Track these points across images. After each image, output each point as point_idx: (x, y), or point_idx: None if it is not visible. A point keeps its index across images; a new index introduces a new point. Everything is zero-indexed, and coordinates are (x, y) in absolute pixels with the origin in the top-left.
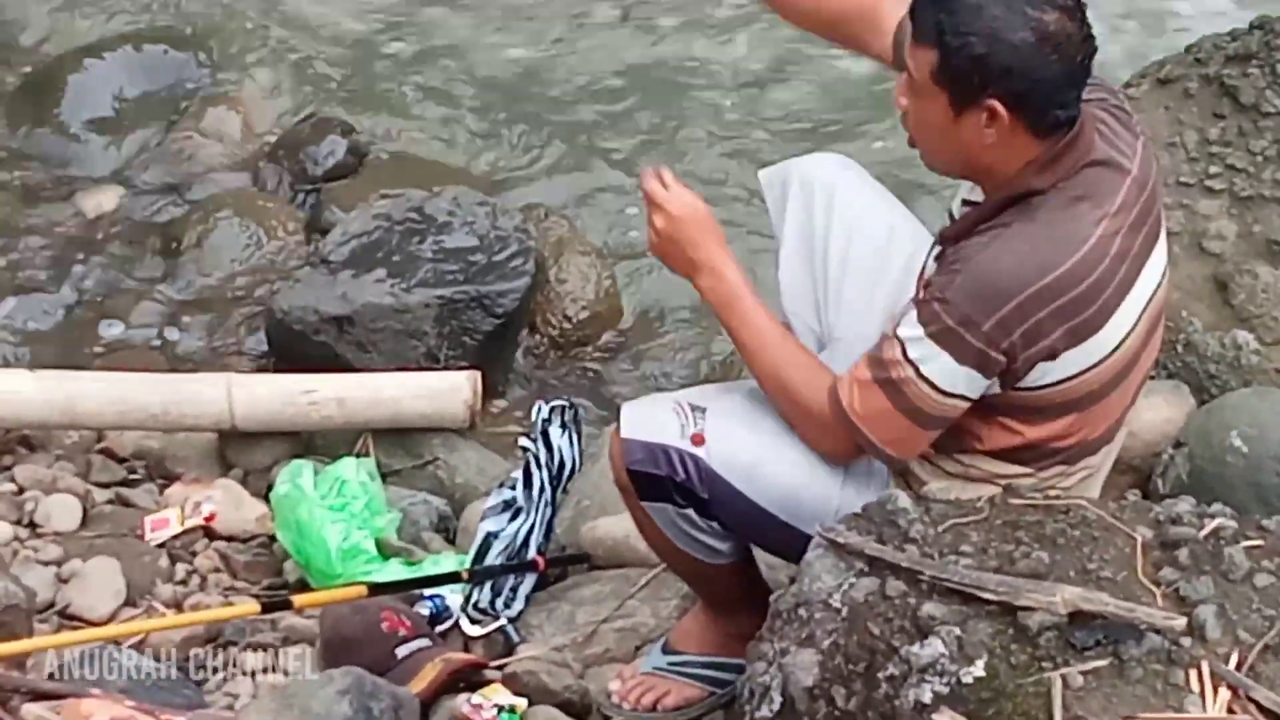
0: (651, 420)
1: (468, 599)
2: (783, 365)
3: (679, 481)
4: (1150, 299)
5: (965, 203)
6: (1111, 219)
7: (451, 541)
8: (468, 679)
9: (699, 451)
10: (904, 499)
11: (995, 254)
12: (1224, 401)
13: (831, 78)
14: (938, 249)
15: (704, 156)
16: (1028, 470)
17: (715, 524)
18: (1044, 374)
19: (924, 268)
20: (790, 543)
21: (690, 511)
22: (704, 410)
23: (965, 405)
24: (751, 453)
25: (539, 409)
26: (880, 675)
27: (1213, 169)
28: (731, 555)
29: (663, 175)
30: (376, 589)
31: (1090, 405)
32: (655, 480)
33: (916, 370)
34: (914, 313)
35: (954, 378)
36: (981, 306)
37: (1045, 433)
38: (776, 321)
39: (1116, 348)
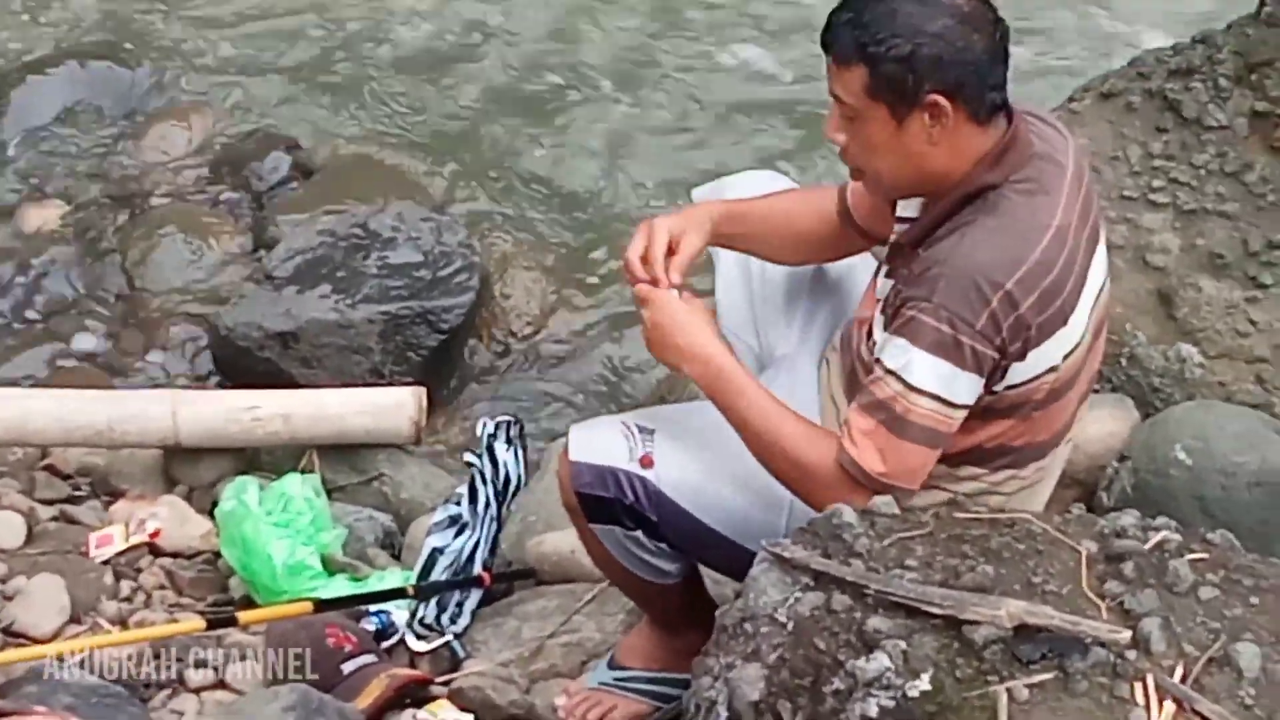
0: (599, 442)
1: (413, 615)
2: (783, 439)
3: (628, 504)
4: (1096, 299)
5: (901, 219)
6: (1063, 211)
7: (397, 557)
8: (414, 695)
9: (647, 474)
10: (849, 513)
11: (970, 249)
12: (1168, 415)
13: (778, 90)
14: (887, 266)
15: (646, 169)
16: (980, 471)
17: (664, 545)
18: (1014, 374)
19: (874, 286)
20: (739, 561)
21: (639, 533)
22: (652, 432)
23: (965, 413)
24: (700, 474)
25: (484, 425)
26: (826, 689)
27: (1156, 183)
28: (679, 575)
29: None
30: (322, 605)
31: (1046, 405)
32: (604, 502)
33: (919, 392)
34: (897, 339)
35: (955, 385)
36: (970, 304)
37: (997, 432)
38: (772, 397)
39: (1076, 346)
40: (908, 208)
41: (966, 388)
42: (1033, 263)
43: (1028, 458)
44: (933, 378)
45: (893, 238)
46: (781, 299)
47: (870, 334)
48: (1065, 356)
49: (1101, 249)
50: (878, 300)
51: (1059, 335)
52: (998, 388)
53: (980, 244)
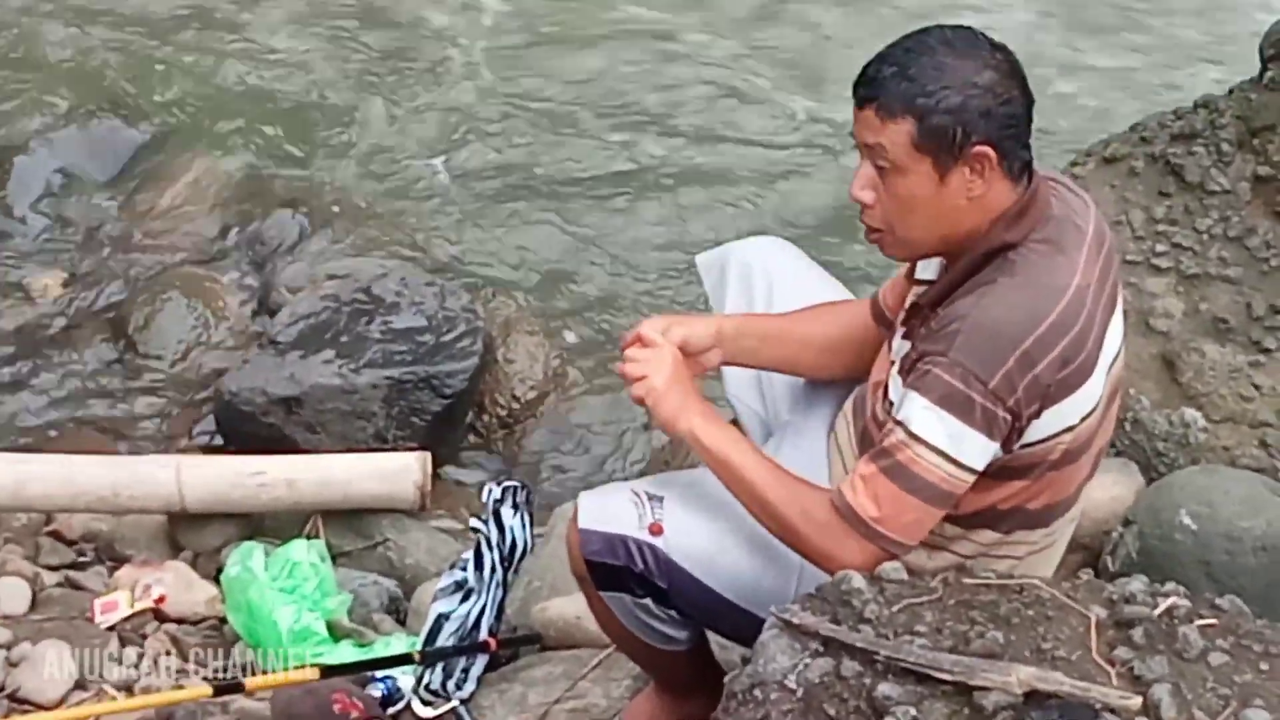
0: (609, 510)
1: (419, 680)
2: (780, 486)
3: (637, 571)
4: (1112, 363)
5: (919, 281)
6: (1082, 273)
7: (402, 623)
8: None
9: (657, 541)
10: (858, 579)
11: (989, 307)
12: (1173, 479)
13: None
14: (904, 328)
15: (650, 235)
16: (995, 535)
17: (673, 612)
18: (1030, 433)
19: (888, 349)
20: (749, 628)
21: (648, 601)
22: (661, 499)
23: (973, 478)
24: (710, 541)
25: (490, 490)
26: None
27: (1159, 247)
28: (688, 642)
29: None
30: (328, 671)
31: (1061, 466)
32: (613, 570)
33: (925, 444)
34: (910, 392)
35: (962, 443)
36: (985, 361)
37: (1010, 493)
38: (767, 457)
39: (1093, 409)
40: (926, 270)
41: (975, 449)
42: (1051, 322)
43: (1040, 521)
44: (939, 432)
45: (910, 299)
46: None
47: (886, 394)
48: (1082, 419)
49: (1118, 315)
50: (892, 362)
51: (1076, 396)
52: (1014, 447)
53: (999, 303)
